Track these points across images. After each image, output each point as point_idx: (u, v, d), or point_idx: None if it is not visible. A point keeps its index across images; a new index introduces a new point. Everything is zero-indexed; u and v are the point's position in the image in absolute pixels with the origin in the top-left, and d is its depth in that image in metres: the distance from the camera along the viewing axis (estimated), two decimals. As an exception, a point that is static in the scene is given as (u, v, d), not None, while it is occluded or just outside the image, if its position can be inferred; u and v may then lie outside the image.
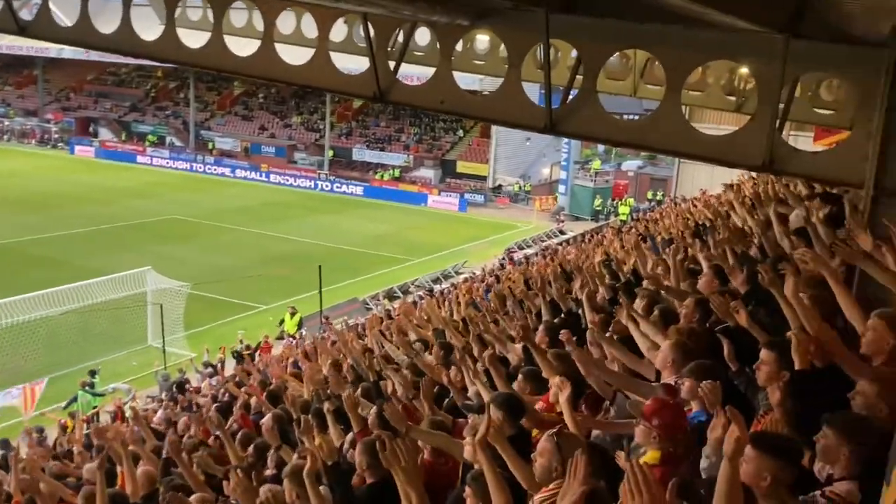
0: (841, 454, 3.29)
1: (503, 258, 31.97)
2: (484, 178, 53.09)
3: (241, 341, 21.08)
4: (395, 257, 35.41)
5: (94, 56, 50.34)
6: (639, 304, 6.65)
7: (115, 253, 31.82)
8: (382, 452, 3.39)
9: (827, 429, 3.35)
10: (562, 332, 6.13)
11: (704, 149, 6.33)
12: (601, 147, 57.13)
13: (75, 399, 17.68)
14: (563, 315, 8.07)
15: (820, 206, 7.54)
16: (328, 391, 8.41)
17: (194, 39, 8.61)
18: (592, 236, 31.52)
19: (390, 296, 28.65)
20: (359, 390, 7.36)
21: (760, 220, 7.93)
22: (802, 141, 21.09)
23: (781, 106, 6.98)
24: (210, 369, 19.17)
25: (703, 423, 4.46)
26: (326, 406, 6.93)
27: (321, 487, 5.13)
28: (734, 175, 22.03)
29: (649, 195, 48.54)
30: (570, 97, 7.01)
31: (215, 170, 56.40)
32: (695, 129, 6.43)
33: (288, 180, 53.99)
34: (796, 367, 3.87)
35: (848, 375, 3.86)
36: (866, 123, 5.56)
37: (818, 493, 3.27)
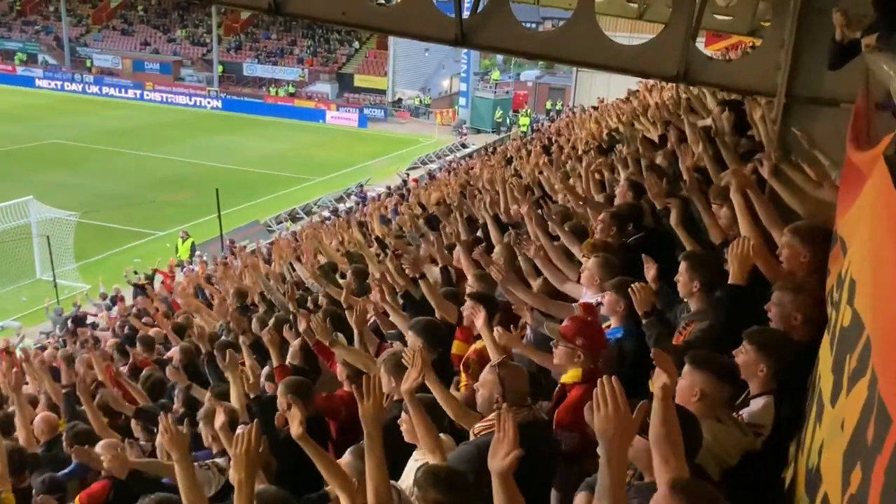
0: (759, 370, 3.31)
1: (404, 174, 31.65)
2: (383, 92, 51.87)
3: (135, 272, 20.00)
4: (294, 177, 34.42)
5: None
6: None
7: (-10, 183, 29.62)
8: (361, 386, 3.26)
9: (747, 344, 3.36)
10: (475, 251, 6.03)
11: (619, 59, 6.18)
12: (500, 57, 56.70)
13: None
14: (479, 233, 7.95)
15: (729, 115, 7.59)
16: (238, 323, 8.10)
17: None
18: (495, 149, 31.57)
19: (293, 217, 28.00)
20: (272, 321, 7.08)
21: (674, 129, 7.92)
22: (696, 47, 21.38)
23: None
24: (108, 301, 18.32)
25: (621, 339, 4.48)
26: (242, 339, 6.65)
27: (240, 427, 4.93)
28: (631, 84, 22.23)
29: (548, 105, 48.69)
30: (481, 6, 6.69)
31: (96, 89, 52.80)
32: (609, 39, 6.26)
33: (176, 98, 51.17)
34: (730, 280, 3.85)
35: (767, 292, 3.89)
36: (779, 31, 5.52)
37: (735, 414, 3.30)
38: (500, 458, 2.50)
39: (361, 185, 31.90)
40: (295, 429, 3.57)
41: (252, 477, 3.23)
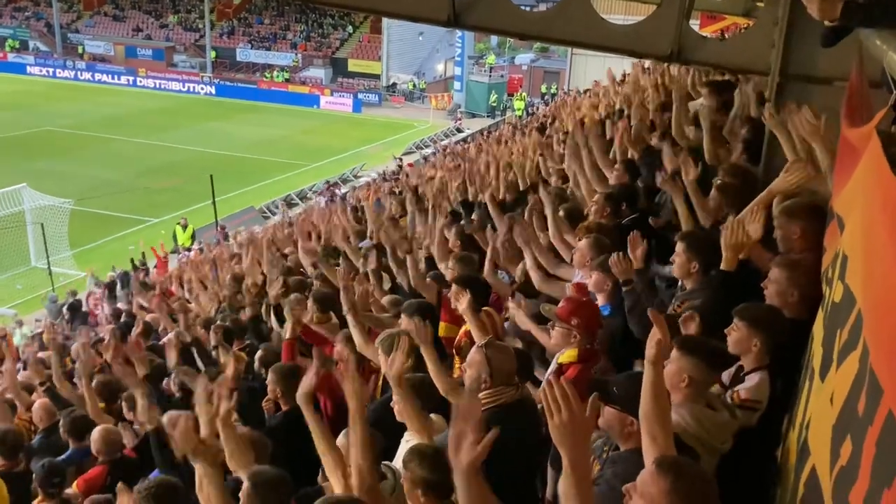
0: (752, 345, 3.31)
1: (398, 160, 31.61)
2: (377, 77, 51.59)
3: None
4: (289, 163, 34.32)
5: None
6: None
7: (-18, 171, 29.46)
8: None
9: (737, 321, 3.36)
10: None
11: (612, 39, 6.16)
12: (494, 40, 56.45)
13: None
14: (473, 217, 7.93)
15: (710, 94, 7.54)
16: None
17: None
18: (490, 133, 31.46)
19: (289, 203, 27.95)
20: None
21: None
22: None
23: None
24: (104, 288, 18.27)
25: (608, 316, 4.49)
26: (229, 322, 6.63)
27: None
28: (626, 67, 22.16)
29: (543, 89, 48.52)
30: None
31: (88, 76, 52.45)
32: (603, 20, 6.23)
33: (169, 85, 50.89)
34: (722, 266, 3.84)
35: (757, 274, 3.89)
36: (773, 9, 5.49)
37: (727, 393, 3.30)
38: (465, 451, 2.20)
39: (328, 183, 30.70)
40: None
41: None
